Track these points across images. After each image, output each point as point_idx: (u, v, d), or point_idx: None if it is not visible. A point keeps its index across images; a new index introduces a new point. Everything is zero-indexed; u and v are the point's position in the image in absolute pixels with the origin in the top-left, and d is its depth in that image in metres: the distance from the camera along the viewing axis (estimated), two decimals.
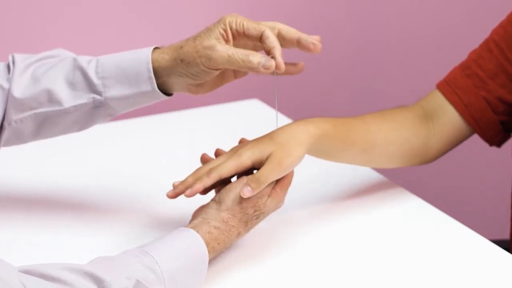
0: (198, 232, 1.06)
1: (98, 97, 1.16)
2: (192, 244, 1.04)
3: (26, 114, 1.17)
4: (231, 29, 1.12)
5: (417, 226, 1.24)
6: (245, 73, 1.19)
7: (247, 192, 1.08)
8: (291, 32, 1.15)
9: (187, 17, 1.74)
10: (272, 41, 1.12)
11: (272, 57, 1.11)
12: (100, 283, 0.93)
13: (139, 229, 1.24)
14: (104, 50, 1.69)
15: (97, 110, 1.17)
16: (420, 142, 1.27)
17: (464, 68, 1.30)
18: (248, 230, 1.12)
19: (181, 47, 1.12)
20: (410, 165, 1.29)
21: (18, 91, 1.16)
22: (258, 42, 1.13)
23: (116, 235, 1.23)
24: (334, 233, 1.22)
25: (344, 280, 1.11)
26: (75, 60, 1.17)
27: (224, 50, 1.09)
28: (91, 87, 1.16)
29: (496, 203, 1.31)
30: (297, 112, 1.82)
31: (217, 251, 1.08)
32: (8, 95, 1.17)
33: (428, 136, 1.28)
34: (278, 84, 1.86)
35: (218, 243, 1.07)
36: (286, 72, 1.15)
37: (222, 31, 1.11)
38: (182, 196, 1.13)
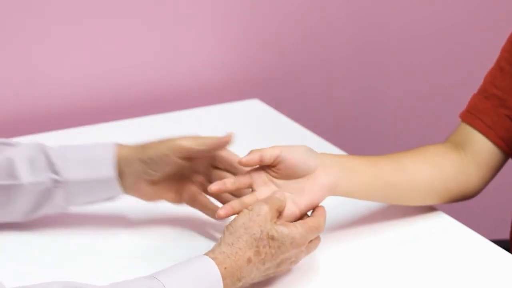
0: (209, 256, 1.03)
1: (56, 177, 1.16)
2: (201, 267, 1.00)
3: None
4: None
5: (417, 226, 1.24)
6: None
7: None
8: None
9: (187, 17, 1.74)
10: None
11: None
12: None
13: (138, 229, 1.24)
14: (104, 50, 1.70)
15: (52, 193, 1.17)
16: (456, 172, 1.25)
17: (482, 92, 1.30)
18: (262, 261, 1.04)
19: (145, 144, 1.18)
20: (453, 200, 1.27)
21: None
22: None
23: (117, 235, 1.23)
24: (335, 233, 1.22)
25: (344, 278, 1.11)
26: (39, 144, 1.19)
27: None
28: (51, 167, 1.16)
29: (496, 203, 1.31)
30: (297, 112, 1.82)
31: (231, 278, 1.02)
32: None
33: (464, 167, 1.26)
34: (278, 84, 1.86)
35: (225, 268, 1.01)
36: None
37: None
38: None
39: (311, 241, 1.08)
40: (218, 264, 1.00)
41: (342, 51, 1.89)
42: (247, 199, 1.11)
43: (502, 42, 1.32)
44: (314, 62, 1.87)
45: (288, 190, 1.11)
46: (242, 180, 1.13)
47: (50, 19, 1.62)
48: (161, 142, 1.18)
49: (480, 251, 1.19)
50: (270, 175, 1.13)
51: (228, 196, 1.19)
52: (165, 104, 1.74)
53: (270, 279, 1.08)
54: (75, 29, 1.65)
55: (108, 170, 1.16)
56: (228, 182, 1.12)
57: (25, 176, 1.16)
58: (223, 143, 1.17)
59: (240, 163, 1.13)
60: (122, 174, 1.17)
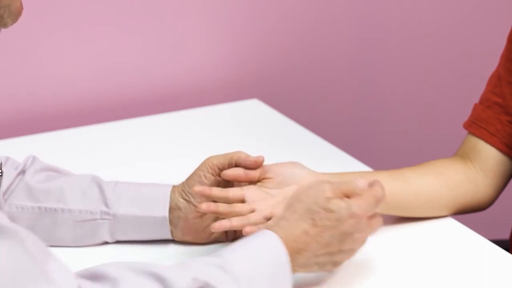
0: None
1: (106, 209, 1.17)
2: (265, 242, 1.00)
3: (30, 204, 1.17)
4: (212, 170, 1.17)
5: (417, 226, 1.24)
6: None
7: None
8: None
9: (187, 17, 1.74)
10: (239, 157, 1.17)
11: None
12: (163, 282, 0.90)
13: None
14: (104, 50, 1.70)
15: (98, 224, 1.18)
16: (463, 181, 1.25)
17: (483, 101, 1.30)
18: (321, 234, 1.02)
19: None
20: (464, 211, 1.27)
21: (32, 180, 1.18)
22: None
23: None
24: None
25: (343, 276, 1.11)
26: (94, 176, 1.20)
27: None
28: (104, 200, 1.17)
29: (496, 203, 1.31)
30: (297, 112, 1.82)
31: (288, 249, 1.00)
32: (21, 181, 1.18)
33: (471, 176, 1.26)
34: (277, 83, 1.86)
35: (280, 237, 1.00)
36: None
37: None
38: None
39: (371, 217, 1.06)
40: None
41: (342, 51, 1.89)
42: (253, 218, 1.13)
43: (502, 41, 1.32)
44: (314, 62, 1.87)
45: (283, 196, 1.13)
46: (237, 200, 1.14)
47: (50, 19, 1.62)
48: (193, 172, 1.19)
49: (480, 251, 1.19)
50: (265, 187, 1.15)
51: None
52: (165, 104, 1.74)
53: None
54: (75, 29, 1.65)
55: (161, 210, 1.17)
56: (221, 206, 1.13)
57: (74, 202, 1.17)
58: (253, 162, 1.17)
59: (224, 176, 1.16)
60: (172, 215, 1.17)
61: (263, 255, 0.99)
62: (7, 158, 1.21)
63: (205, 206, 1.12)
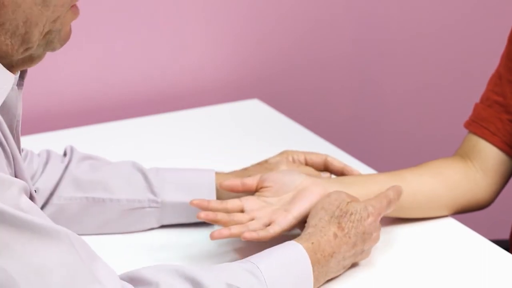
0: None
1: (153, 197, 1.20)
2: (291, 250, 1.04)
3: (78, 195, 1.19)
4: (293, 159, 1.24)
5: (418, 226, 1.24)
6: None
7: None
8: (335, 162, 1.26)
9: (187, 18, 1.74)
10: (338, 163, 1.25)
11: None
12: (199, 286, 0.93)
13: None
14: (104, 51, 1.70)
15: (146, 212, 1.20)
16: (462, 179, 1.25)
17: (484, 100, 1.30)
18: (348, 235, 1.08)
19: (246, 169, 1.23)
20: (464, 210, 1.27)
21: (77, 171, 1.20)
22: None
23: (117, 234, 1.23)
24: None
25: (344, 276, 1.11)
26: (134, 162, 1.23)
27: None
28: (150, 188, 1.20)
29: (496, 203, 1.31)
30: (297, 112, 1.82)
31: (321, 252, 1.05)
32: (65, 171, 1.20)
33: (471, 174, 1.26)
34: (277, 83, 1.86)
35: (312, 243, 1.05)
36: None
37: (287, 160, 1.24)
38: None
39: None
40: (305, 241, 1.05)
41: (342, 51, 1.89)
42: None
43: (502, 41, 1.32)
44: (314, 62, 1.87)
45: (282, 203, 1.15)
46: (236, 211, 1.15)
47: None
48: (266, 169, 1.22)
49: (480, 251, 1.19)
50: (263, 196, 1.16)
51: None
52: (165, 104, 1.74)
53: None
54: (74, 29, 1.65)
55: (208, 195, 1.20)
56: (220, 215, 1.13)
57: (121, 192, 1.19)
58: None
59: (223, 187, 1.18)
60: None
61: (292, 264, 1.03)
62: (48, 152, 1.23)
63: (203, 214, 1.12)
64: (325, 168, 1.25)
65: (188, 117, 1.67)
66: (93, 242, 1.19)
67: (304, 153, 1.25)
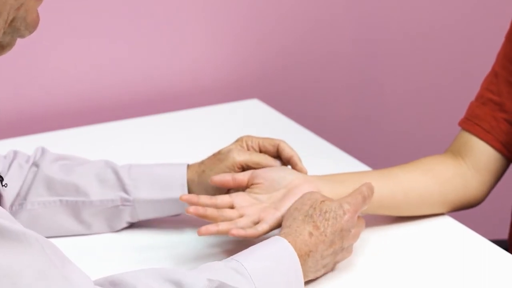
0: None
1: (126, 196, 1.20)
2: (274, 244, 1.04)
3: (51, 198, 1.19)
4: (247, 146, 1.23)
5: (416, 225, 1.24)
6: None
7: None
8: (287, 149, 1.22)
9: (187, 18, 1.74)
10: (289, 151, 1.21)
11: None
12: (181, 287, 0.93)
13: (140, 227, 1.25)
14: (104, 51, 1.70)
15: (120, 210, 1.21)
16: (453, 176, 1.25)
17: (478, 98, 1.29)
18: (324, 234, 1.07)
19: (202, 162, 1.22)
20: (456, 208, 1.27)
21: (50, 172, 1.20)
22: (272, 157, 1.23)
23: (117, 234, 1.23)
24: None
25: (342, 276, 1.11)
26: (107, 161, 1.23)
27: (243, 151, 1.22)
28: (122, 186, 1.20)
29: (496, 203, 1.31)
30: (297, 112, 1.82)
31: (298, 252, 1.05)
32: (37, 174, 1.20)
33: (462, 171, 1.26)
34: (277, 83, 1.86)
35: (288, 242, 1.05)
36: None
37: (239, 147, 1.22)
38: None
39: (359, 217, 1.12)
40: None
41: (342, 51, 1.89)
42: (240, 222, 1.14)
43: (502, 40, 1.32)
44: (314, 61, 1.87)
45: (272, 201, 1.15)
46: (226, 207, 1.15)
47: (50, 19, 1.62)
48: (218, 160, 1.21)
49: (479, 251, 1.19)
50: (254, 193, 1.16)
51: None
52: (165, 104, 1.74)
53: None
54: (75, 29, 1.65)
55: (181, 189, 1.20)
56: (210, 210, 1.13)
57: (94, 193, 1.19)
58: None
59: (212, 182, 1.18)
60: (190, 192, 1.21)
61: (276, 257, 1.03)
62: (15, 153, 1.23)
63: (192, 209, 1.12)
64: (278, 154, 1.23)
65: (188, 117, 1.67)
66: (78, 243, 1.21)
67: (258, 138, 1.23)
